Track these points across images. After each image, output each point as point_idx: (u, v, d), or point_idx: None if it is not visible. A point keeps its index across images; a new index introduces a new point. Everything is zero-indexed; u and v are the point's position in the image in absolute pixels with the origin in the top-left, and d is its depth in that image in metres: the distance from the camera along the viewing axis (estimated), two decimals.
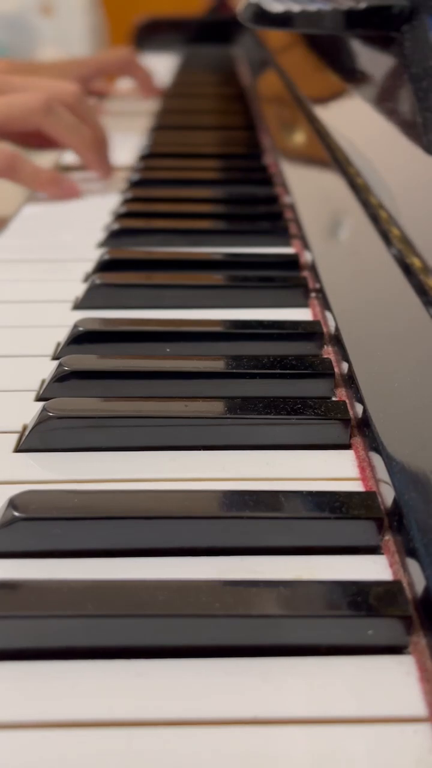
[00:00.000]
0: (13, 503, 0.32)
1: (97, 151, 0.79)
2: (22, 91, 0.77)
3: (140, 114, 1.14)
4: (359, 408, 0.38)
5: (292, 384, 0.41)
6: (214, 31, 1.78)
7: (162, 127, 1.02)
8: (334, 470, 0.36)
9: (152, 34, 1.72)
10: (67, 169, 0.83)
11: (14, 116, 0.74)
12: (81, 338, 0.46)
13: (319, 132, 0.73)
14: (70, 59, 1.25)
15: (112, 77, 1.35)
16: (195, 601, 0.27)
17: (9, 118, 0.74)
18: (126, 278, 0.55)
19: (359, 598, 0.27)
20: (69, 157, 0.86)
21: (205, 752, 0.24)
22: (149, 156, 0.86)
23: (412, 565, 0.29)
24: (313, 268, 0.54)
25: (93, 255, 0.60)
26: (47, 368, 0.44)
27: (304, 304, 0.52)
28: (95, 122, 0.80)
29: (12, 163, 0.71)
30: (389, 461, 0.33)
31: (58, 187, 0.74)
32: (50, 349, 0.47)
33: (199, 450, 0.37)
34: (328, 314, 0.48)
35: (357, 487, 0.35)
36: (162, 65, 1.49)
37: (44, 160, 0.85)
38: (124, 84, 1.33)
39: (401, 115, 0.56)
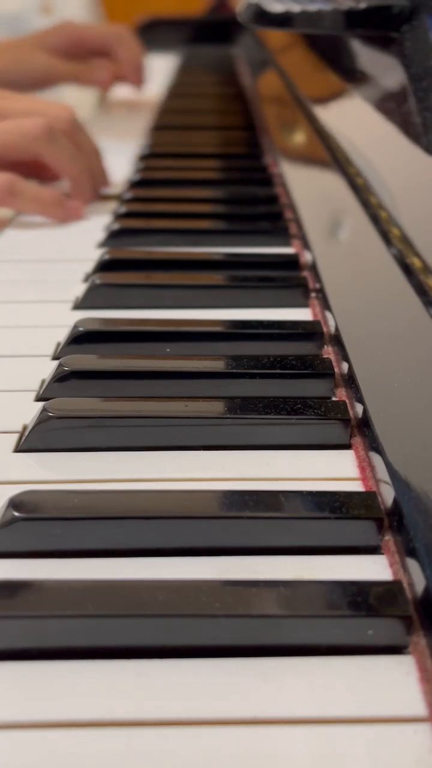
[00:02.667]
0: (13, 503, 0.32)
1: (92, 184, 0.74)
2: (15, 114, 0.71)
3: (140, 114, 1.14)
4: (359, 408, 0.38)
5: (292, 384, 0.41)
6: (214, 31, 1.78)
7: (162, 127, 1.02)
8: (334, 470, 0.36)
9: (152, 34, 1.72)
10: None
11: (13, 144, 0.69)
12: (81, 338, 0.46)
13: (319, 132, 0.73)
14: (50, 29, 1.13)
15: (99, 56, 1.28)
16: (195, 601, 0.27)
17: (7, 145, 0.69)
18: (126, 278, 0.55)
19: (359, 598, 0.27)
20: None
21: (205, 752, 0.24)
22: (149, 156, 0.86)
23: (412, 565, 0.29)
24: (313, 268, 0.54)
25: (93, 255, 0.60)
26: (47, 368, 0.44)
27: (304, 304, 0.52)
28: (91, 146, 0.75)
29: (11, 188, 0.66)
30: (389, 461, 0.33)
31: (62, 210, 0.69)
32: (50, 349, 0.47)
33: (199, 450, 0.37)
34: (328, 314, 0.48)
35: (357, 487, 0.35)
36: (162, 65, 1.49)
37: None
38: (122, 91, 1.32)
39: (401, 115, 0.56)
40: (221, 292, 0.54)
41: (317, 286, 0.52)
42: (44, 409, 0.38)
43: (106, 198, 0.76)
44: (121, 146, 0.92)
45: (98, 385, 0.42)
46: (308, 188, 0.69)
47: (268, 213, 0.68)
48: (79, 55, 1.13)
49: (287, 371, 0.42)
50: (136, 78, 1.16)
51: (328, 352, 0.46)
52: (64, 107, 0.74)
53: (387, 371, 0.39)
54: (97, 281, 0.54)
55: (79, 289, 0.55)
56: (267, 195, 0.72)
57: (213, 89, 1.31)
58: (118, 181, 0.80)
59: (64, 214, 0.69)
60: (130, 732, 0.25)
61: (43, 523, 0.31)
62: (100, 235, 0.65)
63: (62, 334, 0.48)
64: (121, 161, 0.86)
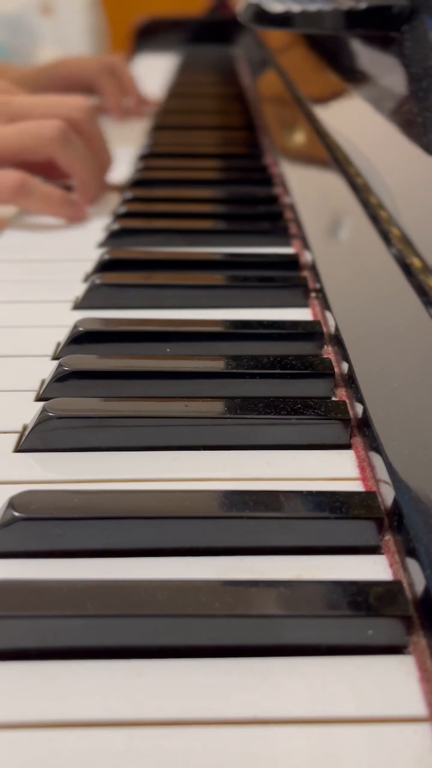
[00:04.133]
0: (13, 503, 0.32)
1: (96, 182, 0.75)
2: (30, 112, 0.72)
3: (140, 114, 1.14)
4: (359, 408, 0.38)
5: (292, 384, 0.41)
6: (214, 31, 1.78)
7: (162, 127, 1.02)
8: (334, 470, 0.36)
9: (152, 34, 1.72)
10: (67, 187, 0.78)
11: (27, 146, 0.70)
12: (81, 338, 0.46)
13: (319, 132, 0.73)
14: (47, 65, 1.13)
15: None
16: (195, 601, 0.27)
17: (21, 148, 0.70)
18: (126, 278, 0.55)
19: (359, 598, 0.27)
20: None
21: (204, 752, 0.24)
22: (149, 156, 0.86)
23: (412, 565, 0.29)
24: (313, 268, 0.54)
25: (93, 255, 0.60)
26: (47, 368, 0.44)
27: (304, 304, 0.52)
28: (102, 143, 0.76)
29: (23, 187, 0.67)
30: (389, 461, 0.33)
31: (71, 209, 0.69)
32: (50, 349, 0.47)
33: (199, 450, 0.37)
34: (328, 314, 0.48)
35: (357, 487, 0.35)
36: (162, 65, 1.49)
37: None
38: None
39: (401, 115, 0.56)
40: (221, 292, 0.54)
41: (317, 286, 0.52)
42: (44, 409, 0.38)
43: (111, 188, 0.77)
44: (121, 146, 0.92)
45: (98, 385, 0.42)
46: (308, 188, 0.69)
47: (268, 213, 0.68)
48: (71, 90, 1.13)
49: (287, 371, 0.42)
50: (118, 111, 1.13)
51: (328, 352, 0.46)
52: (80, 99, 0.75)
53: (387, 371, 0.39)
54: (97, 281, 0.54)
55: (79, 289, 0.55)
56: (267, 195, 0.72)
57: (213, 89, 1.31)
58: (119, 181, 0.80)
59: (73, 213, 0.70)
60: (130, 732, 0.25)
61: (43, 523, 0.31)
62: (100, 235, 0.65)
63: (62, 334, 0.48)
64: (121, 160, 0.86)
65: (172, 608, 0.27)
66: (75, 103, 0.74)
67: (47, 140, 0.70)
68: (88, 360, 0.43)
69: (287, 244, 0.62)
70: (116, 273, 0.56)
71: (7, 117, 0.73)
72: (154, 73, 1.30)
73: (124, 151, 0.90)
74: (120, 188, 0.77)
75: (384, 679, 0.26)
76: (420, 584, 0.28)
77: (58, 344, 0.47)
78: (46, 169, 0.74)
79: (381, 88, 0.64)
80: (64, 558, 0.31)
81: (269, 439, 0.38)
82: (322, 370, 0.42)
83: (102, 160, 0.77)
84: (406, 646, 0.27)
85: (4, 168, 0.69)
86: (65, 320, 0.49)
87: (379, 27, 0.60)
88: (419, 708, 0.25)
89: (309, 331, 0.46)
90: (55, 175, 0.76)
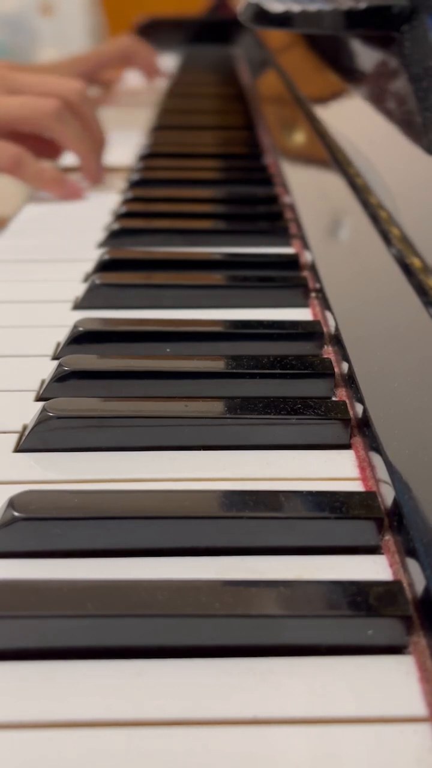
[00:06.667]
0: (12, 503, 0.32)
1: (97, 159, 0.80)
2: (27, 88, 0.78)
3: (141, 112, 1.14)
4: (359, 408, 0.38)
5: (292, 384, 0.41)
6: (214, 31, 1.78)
7: (162, 127, 1.02)
8: (334, 470, 0.36)
9: (152, 34, 1.71)
10: (65, 170, 0.82)
11: (27, 117, 0.75)
12: (81, 338, 0.46)
13: (319, 132, 0.73)
14: (71, 57, 1.24)
15: (118, 67, 1.36)
16: (195, 601, 0.27)
17: (21, 118, 0.75)
18: (126, 278, 0.55)
19: (359, 598, 0.27)
20: (68, 159, 0.86)
21: (204, 752, 0.24)
22: (149, 156, 0.86)
23: (412, 565, 0.29)
24: (313, 268, 0.54)
25: (93, 255, 0.60)
26: (47, 368, 0.44)
27: (304, 304, 0.52)
28: (96, 124, 0.80)
29: (18, 160, 0.72)
30: (389, 461, 0.33)
31: (61, 187, 0.74)
32: (50, 349, 0.47)
33: (199, 450, 0.37)
34: (328, 314, 0.48)
35: (357, 487, 0.35)
36: (162, 65, 1.48)
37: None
38: (131, 76, 1.35)
39: (401, 115, 0.56)
40: (221, 292, 0.54)
41: (317, 286, 0.52)
42: (44, 409, 0.38)
43: (113, 170, 0.81)
44: (122, 145, 0.92)
45: (98, 385, 0.42)
46: (308, 188, 0.69)
47: (268, 213, 0.68)
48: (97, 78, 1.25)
49: (287, 371, 0.42)
50: (157, 73, 1.35)
51: (328, 352, 0.46)
52: (76, 83, 0.80)
53: (387, 371, 0.39)
54: (97, 281, 0.54)
55: (79, 289, 0.55)
56: (267, 195, 0.72)
57: (213, 89, 1.31)
58: (118, 164, 0.81)
59: (63, 192, 0.75)
60: (130, 732, 0.25)
61: (43, 523, 0.31)
62: (100, 234, 0.65)
63: (62, 334, 0.48)
64: (120, 161, 0.86)
65: (172, 608, 0.27)
66: (70, 84, 0.79)
67: (44, 114, 0.75)
68: (88, 360, 0.43)
69: (287, 244, 0.62)
70: (116, 273, 0.56)
71: (5, 91, 0.78)
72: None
73: (123, 135, 0.91)
74: (120, 170, 0.79)
75: (384, 679, 0.26)
76: (420, 584, 0.28)
77: (58, 344, 0.47)
78: (43, 149, 0.80)
79: (381, 88, 0.64)
80: (64, 558, 0.31)
81: (269, 439, 0.38)
82: (322, 370, 0.42)
83: (97, 139, 0.80)
84: (406, 646, 0.27)
85: (4, 137, 0.74)
86: (65, 320, 0.49)
87: (379, 27, 0.60)
88: (419, 708, 0.25)
89: (309, 331, 0.46)
90: (52, 155, 0.82)
